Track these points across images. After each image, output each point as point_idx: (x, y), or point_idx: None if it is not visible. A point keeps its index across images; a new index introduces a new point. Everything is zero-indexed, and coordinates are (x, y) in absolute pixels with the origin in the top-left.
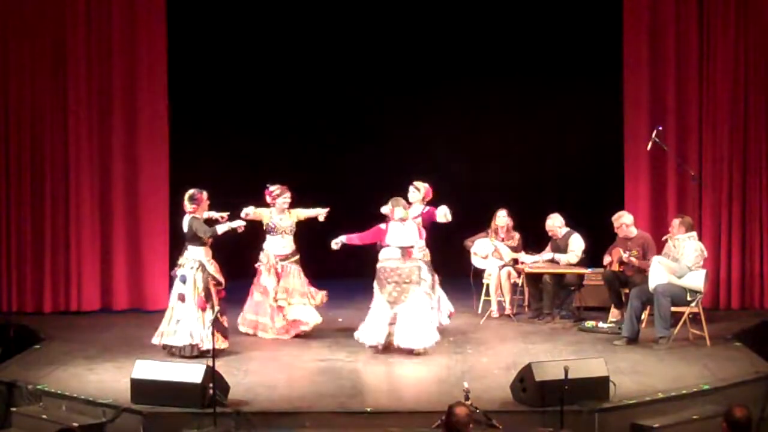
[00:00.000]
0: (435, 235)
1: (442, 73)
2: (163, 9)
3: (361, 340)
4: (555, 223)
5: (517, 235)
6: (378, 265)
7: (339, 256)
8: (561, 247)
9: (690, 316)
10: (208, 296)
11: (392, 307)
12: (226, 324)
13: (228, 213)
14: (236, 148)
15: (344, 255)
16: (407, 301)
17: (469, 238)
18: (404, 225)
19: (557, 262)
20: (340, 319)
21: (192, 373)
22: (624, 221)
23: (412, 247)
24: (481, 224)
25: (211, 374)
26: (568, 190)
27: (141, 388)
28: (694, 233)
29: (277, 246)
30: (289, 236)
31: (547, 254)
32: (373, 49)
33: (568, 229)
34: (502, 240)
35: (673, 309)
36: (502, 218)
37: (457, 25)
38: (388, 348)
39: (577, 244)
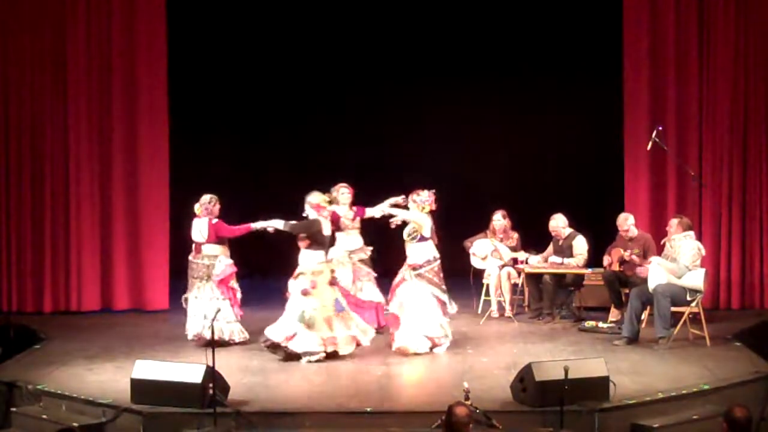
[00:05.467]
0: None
1: (442, 73)
2: (163, 9)
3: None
4: (558, 224)
5: (515, 235)
6: None
7: None
8: (564, 249)
9: (690, 316)
10: None
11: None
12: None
13: None
14: (237, 148)
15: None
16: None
17: (468, 238)
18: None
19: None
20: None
21: (192, 373)
22: (630, 222)
23: (201, 243)
24: (480, 225)
25: (211, 374)
26: (568, 190)
27: (141, 388)
28: (691, 233)
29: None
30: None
31: (554, 258)
32: (373, 49)
33: (571, 230)
34: (501, 240)
35: (673, 309)
36: (498, 221)
37: (457, 24)
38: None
39: (581, 247)
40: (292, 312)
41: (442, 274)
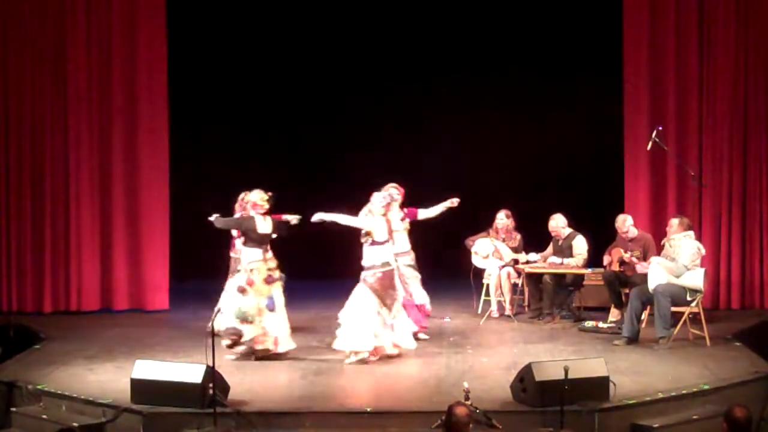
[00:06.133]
0: (434, 234)
1: (443, 73)
2: (163, 8)
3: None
4: (558, 224)
5: (518, 236)
6: None
7: None
8: (563, 249)
9: (690, 316)
10: None
11: None
12: None
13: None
14: (237, 147)
15: None
16: None
17: (470, 237)
18: None
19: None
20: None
21: (192, 373)
22: (629, 223)
23: (235, 238)
24: (481, 224)
25: (211, 374)
26: (568, 190)
27: (141, 388)
28: (691, 232)
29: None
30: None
31: (554, 258)
32: (373, 49)
33: (570, 230)
34: (503, 240)
35: (673, 309)
36: (501, 220)
37: (457, 25)
38: None
39: (581, 247)
40: (230, 309)
41: (394, 283)
